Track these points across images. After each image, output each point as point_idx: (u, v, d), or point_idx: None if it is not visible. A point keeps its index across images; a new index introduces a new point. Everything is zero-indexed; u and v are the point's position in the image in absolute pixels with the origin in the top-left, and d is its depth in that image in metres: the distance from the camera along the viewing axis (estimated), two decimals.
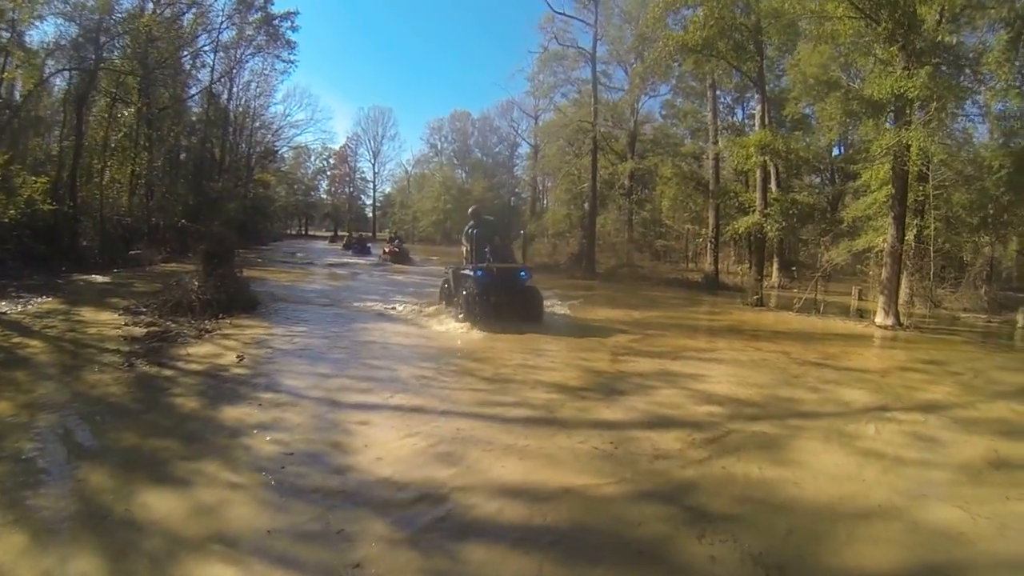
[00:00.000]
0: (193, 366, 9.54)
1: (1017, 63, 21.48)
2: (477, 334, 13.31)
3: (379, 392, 8.43)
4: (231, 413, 7.23)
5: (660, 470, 6.02)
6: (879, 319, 18.80)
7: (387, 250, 42.61)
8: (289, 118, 67.62)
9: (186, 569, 4.14)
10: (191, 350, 10.62)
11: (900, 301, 19.72)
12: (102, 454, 5.95)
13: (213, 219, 36.01)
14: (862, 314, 21.47)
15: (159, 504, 4.91)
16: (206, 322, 13.00)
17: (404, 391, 8.51)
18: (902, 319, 18.81)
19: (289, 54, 46.80)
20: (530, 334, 13.63)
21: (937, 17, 18.57)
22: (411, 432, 6.76)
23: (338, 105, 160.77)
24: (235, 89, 50.35)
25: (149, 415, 7.14)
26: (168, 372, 9.10)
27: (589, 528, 4.84)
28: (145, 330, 11.94)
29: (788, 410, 8.41)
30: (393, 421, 7.17)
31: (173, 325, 12.55)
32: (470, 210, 17.41)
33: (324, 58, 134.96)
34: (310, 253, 46.67)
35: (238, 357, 10.16)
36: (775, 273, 34.22)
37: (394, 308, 17.50)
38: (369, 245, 48.81)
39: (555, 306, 18.64)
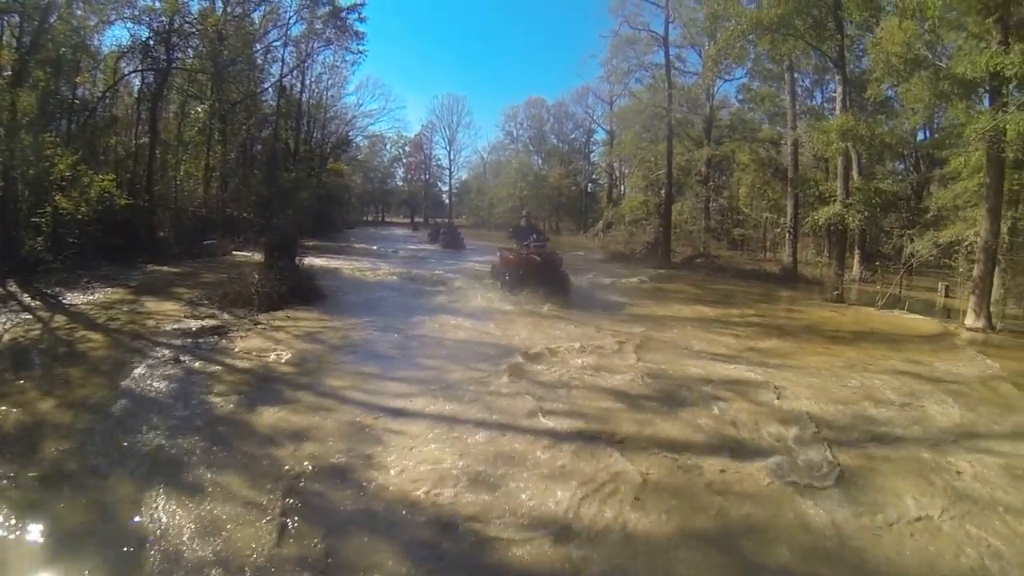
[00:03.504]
0: (240, 362, 9.72)
1: None
2: (536, 327, 13.44)
3: (422, 397, 8.21)
4: (265, 416, 7.23)
5: (719, 507, 5.45)
6: (969, 321, 17.57)
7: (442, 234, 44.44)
8: (362, 108, 68.38)
9: None
10: (242, 344, 10.85)
11: (992, 300, 18.25)
12: (127, 456, 6.03)
13: (287, 209, 38.06)
14: (949, 313, 20.28)
15: (167, 515, 4.88)
16: (263, 315, 13.28)
17: (449, 397, 8.26)
18: (994, 321, 17.46)
19: (358, 45, 46.74)
20: (589, 326, 13.58)
21: None
22: (447, 447, 6.52)
23: (411, 94, 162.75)
24: (307, 81, 50.99)
25: (183, 415, 7.23)
26: (214, 368, 9.30)
27: None
28: (199, 323, 12.28)
29: (870, 433, 7.56)
30: (431, 432, 6.95)
31: (229, 318, 12.95)
32: (524, 211, 22.38)
33: (395, 48, 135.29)
34: (387, 243, 46.33)
35: (286, 353, 10.27)
36: (856, 266, 32.62)
37: (452, 283, 21.08)
38: (462, 235, 45.74)
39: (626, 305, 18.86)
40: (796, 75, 37.25)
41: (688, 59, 45.10)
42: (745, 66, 39.78)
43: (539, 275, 17.53)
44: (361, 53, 47.81)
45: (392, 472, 5.78)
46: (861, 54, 32.23)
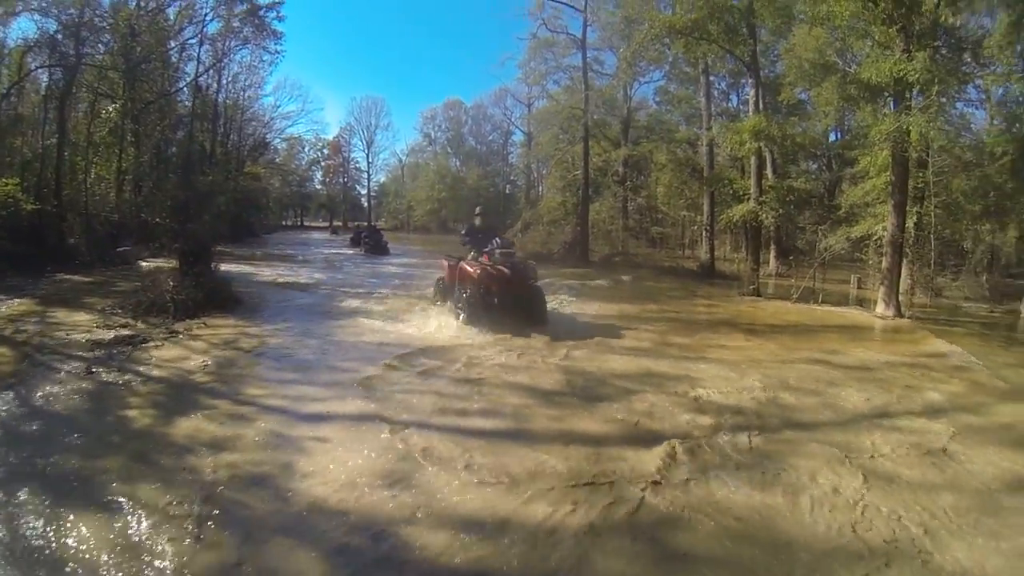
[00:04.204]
0: (156, 372, 9.27)
1: (1019, 47, 20.89)
2: (471, 335, 12.57)
3: (342, 400, 8.02)
4: (183, 427, 6.92)
5: (634, 498, 5.46)
6: (879, 309, 18.53)
7: (364, 239, 42.39)
8: (280, 109, 67.76)
9: None
10: (158, 354, 10.35)
11: (901, 290, 19.32)
12: (38, 475, 5.64)
13: (203, 214, 36.27)
14: (861, 303, 21.14)
15: (83, 533, 4.66)
16: (179, 323, 12.79)
17: (368, 398, 8.12)
18: (903, 309, 18.49)
19: (276, 45, 46.04)
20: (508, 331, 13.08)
21: None
22: (366, 448, 6.36)
23: (330, 96, 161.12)
24: (223, 81, 50.01)
25: (97, 430, 6.84)
26: (128, 378, 8.85)
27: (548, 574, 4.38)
28: (112, 333, 11.65)
29: (783, 418, 7.82)
30: (350, 435, 6.79)
31: (144, 327, 12.35)
32: (478, 208, 17.55)
33: (313, 49, 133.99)
34: (307, 248, 45.65)
35: (203, 362, 9.89)
36: (772, 261, 33.88)
37: (380, 302, 17.09)
38: (385, 239, 43.57)
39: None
40: (712, 78, 38.17)
41: (606, 61, 45.57)
42: (663, 68, 40.91)
43: (511, 295, 13.25)
44: (279, 53, 47.23)
45: (311, 478, 5.67)
46: (775, 59, 33.39)
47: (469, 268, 13.84)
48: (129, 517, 4.88)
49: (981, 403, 9.14)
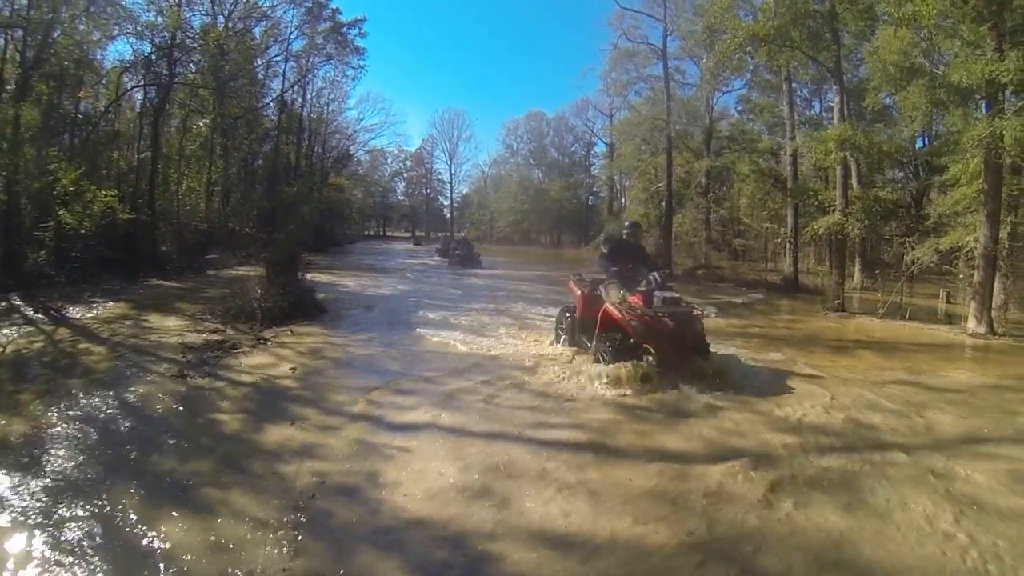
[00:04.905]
0: (245, 378, 9.56)
1: None
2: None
3: (426, 410, 8.07)
4: (272, 434, 7.10)
5: (719, 517, 5.30)
6: (971, 326, 17.61)
7: (456, 252, 39.92)
8: (363, 123, 69.55)
9: None
10: (246, 360, 10.66)
11: (993, 306, 18.31)
12: (133, 476, 5.85)
13: (288, 223, 37.05)
14: (951, 319, 20.32)
15: (179, 536, 4.81)
16: (266, 330, 13.12)
17: (453, 408, 8.16)
18: (996, 326, 17.49)
19: (358, 60, 47.88)
20: None
21: None
22: (452, 460, 6.39)
23: (412, 108, 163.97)
24: (308, 96, 51.38)
25: (190, 433, 7.13)
26: (219, 384, 9.17)
27: None
28: (203, 338, 12.08)
29: (870, 441, 7.42)
30: (435, 446, 6.82)
31: (232, 333, 12.76)
32: (627, 223, 12.79)
33: (396, 63, 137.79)
34: (391, 259, 45.88)
35: (291, 369, 10.13)
36: (857, 274, 32.80)
37: (500, 344, 13.08)
38: (477, 251, 40.74)
39: None
40: (794, 85, 37.44)
41: (687, 71, 45.54)
42: (744, 77, 40.02)
43: (672, 356, 9.90)
44: (361, 68, 49.21)
45: (398, 488, 5.69)
46: (859, 63, 32.39)
47: (618, 314, 10.26)
48: (221, 521, 4.98)
49: None
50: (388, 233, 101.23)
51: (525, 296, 21.89)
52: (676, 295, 10.64)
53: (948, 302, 23.24)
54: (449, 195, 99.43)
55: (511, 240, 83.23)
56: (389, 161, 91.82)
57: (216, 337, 12.16)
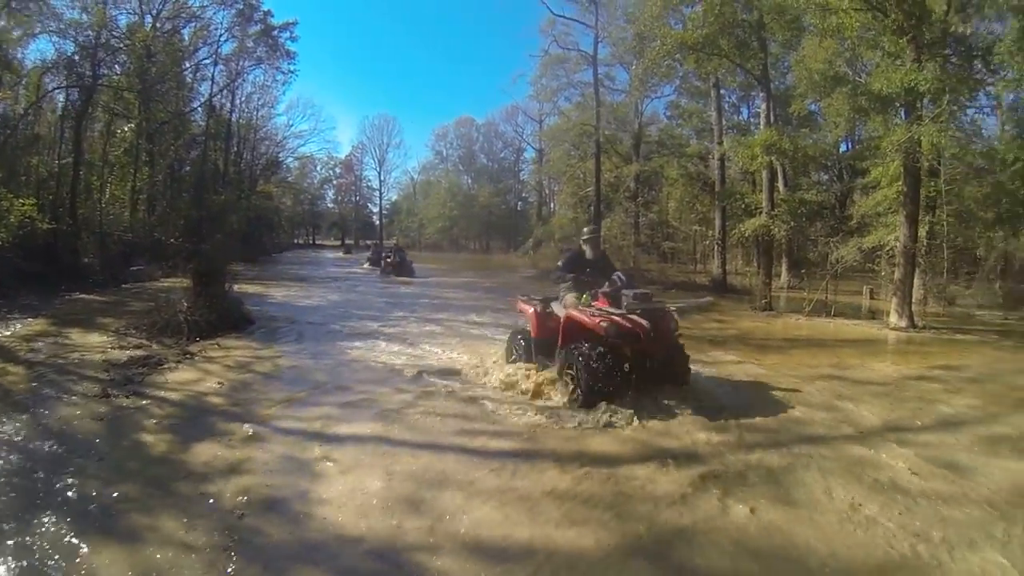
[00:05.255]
0: (171, 395, 9.10)
1: None
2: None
3: (355, 422, 7.90)
4: (199, 453, 6.79)
5: (650, 516, 5.41)
6: (892, 320, 18.53)
7: (387, 260, 38.15)
8: (293, 129, 67.97)
9: None
10: (172, 376, 10.20)
11: (914, 300, 19.30)
12: (55, 505, 5.48)
13: (216, 233, 36.39)
14: (874, 315, 21.15)
15: (104, 566, 4.54)
16: (193, 344, 12.59)
17: (382, 419, 7.99)
18: (916, 319, 18.51)
19: (289, 65, 46.69)
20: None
21: (946, 7, 18.09)
22: (382, 472, 6.27)
23: (342, 115, 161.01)
24: (237, 101, 50.15)
25: (115, 455, 6.72)
26: (144, 403, 8.64)
27: None
28: (127, 355, 11.49)
29: (797, 435, 7.73)
30: (365, 458, 6.69)
31: (158, 348, 12.14)
32: (587, 230, 10.89)
33: (327, 68, 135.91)
34: (320, 269, 44.46)
35: (218, 384, 9.74)
36: (784, 274, 33.92)
37: (429, 353, 12.64)
38: (410, 258, 39.64)
39: None
40: (722, 92, 38.27)
41: (617, 77, 45.96)
42: (673, 83, 40.85)
43: (648, 359, 8.99)
44: (292, 73, 47.71)
45: (328, 503, 5.56)
46: (786, 71, 33.41)
47: (585, 318, 8.95)
48: (149, 548, 4.81)
49: (996, 414, 9.13)
50: (318, 241, 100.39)
51: (455, 305, 21.94)
52: (647, 291, 9.56)
53: (871, 298, 24.11)
54: (378, 202, 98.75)
55: (440, 247, 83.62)
56: (319, 168, 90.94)
57: (141, 353, 11.68)
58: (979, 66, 19.52)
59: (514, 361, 10.71)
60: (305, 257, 61.81)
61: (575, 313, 9.21)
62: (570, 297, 9.71)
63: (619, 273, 9.59)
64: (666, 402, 8.50)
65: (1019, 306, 23.12)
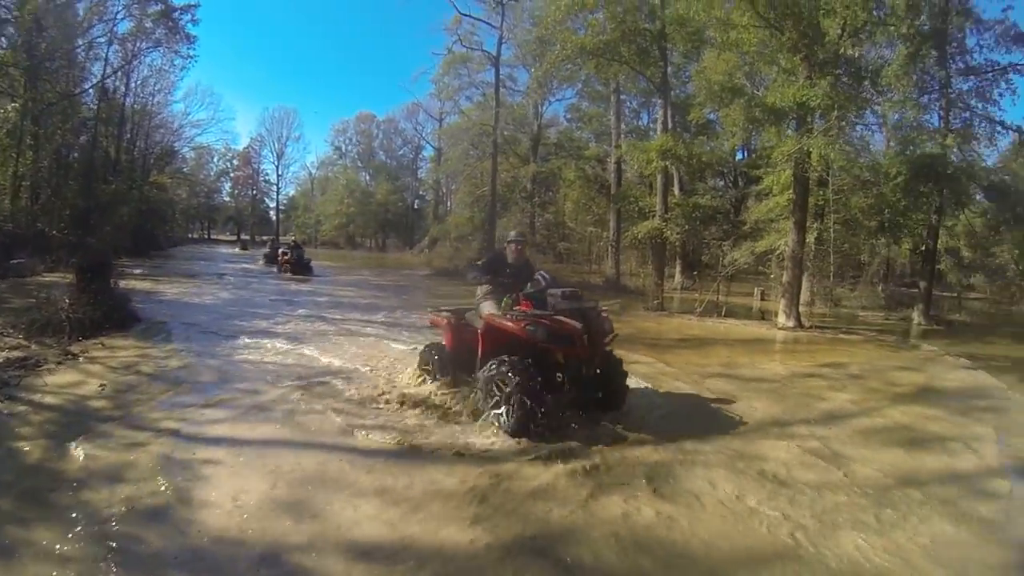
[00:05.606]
0: (49, 399, 8.50)
1: (914, 76, 22.62)
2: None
3: (240, 422, 7.73)
4: (78, 459, 6.42)
5: (534, 513, 5.49)
6: (780, 321, 19.56)
7: (284, 258, 35.83)
8: (190, 117, 65.10)
9: None
10: (52, 379, 9.49)
11: (801, 302, 20.48)
12: None
13: (104, 225, 34.83)
14: (764, 315, 22.20)
15: None
16: (75, 344, 11.88)
17: (267, 420, 7.86)
18: (803, 320, 19.56)
19: (189, 49, 43.27)
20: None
21: (840, 31, 19.20)
22: (265, 473, 6.14)
23: (242, 105, 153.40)
24: (132, 85, 47.89)
25: None
26: (20, 408, 8.06)
27: None
28: (2, 356, 10.65)
29: (683, 432, 7.80)
30: (249, 459, 6.53)
31: (37, 348, 11.34)
32: (513, 233, 9.63)
33: (227, 57, 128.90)
34: (215, 267, 40.74)
35: (100, 386, 9.18)
36: (678, 275, 35.08)
37: (319, 353, 12.29)
38: (308, 256, 37.81)
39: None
40: (624, 97, 39.31)
41: (519, 79, 46.39)
42: (575, 87, 41.57)
43: (584, 367, 8.04)
44: (192, 58, 44.24)
45: (210, 507, 5.41)
46: (687, 80, 34.62)
47: (508, 323, 7.93)
48: (24, 563, 4.54)
49: (873, 408, 9.84)
50: (213, 236, 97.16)
51: (348, 303, 21.48)
52: (575, 289, 8.52)
53: (762, 300, 25.34)
54: (276, 197, 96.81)
55: (336, 244, 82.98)
56: (216, 160, 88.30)
57: (18, 354, 10.75)
58: (868, 86, 20.81)
59: (424, 379, 9.61)
60: (199, 252, 58.86)
61: (496, 319, 8.16)
62: (487, 304, 8.65)
63: (543, 272, 8.65)
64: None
65: (899, 307, 25.05)
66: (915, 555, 4.99)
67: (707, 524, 5.35)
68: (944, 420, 9.39)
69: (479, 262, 9.51)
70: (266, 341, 13.21)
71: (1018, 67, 22.96)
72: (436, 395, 8.68)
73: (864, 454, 7.37)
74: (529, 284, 8.37)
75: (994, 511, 6.01)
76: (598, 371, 8.28)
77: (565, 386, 7.84)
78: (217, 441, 6.99)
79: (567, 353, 7.75)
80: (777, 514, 5.57)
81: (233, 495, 5.56)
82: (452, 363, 9.13)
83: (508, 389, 7.33)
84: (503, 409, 7.39)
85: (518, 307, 8.16)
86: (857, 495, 6.10)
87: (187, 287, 24.49)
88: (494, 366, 7.60)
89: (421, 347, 10.42)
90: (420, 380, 9.45)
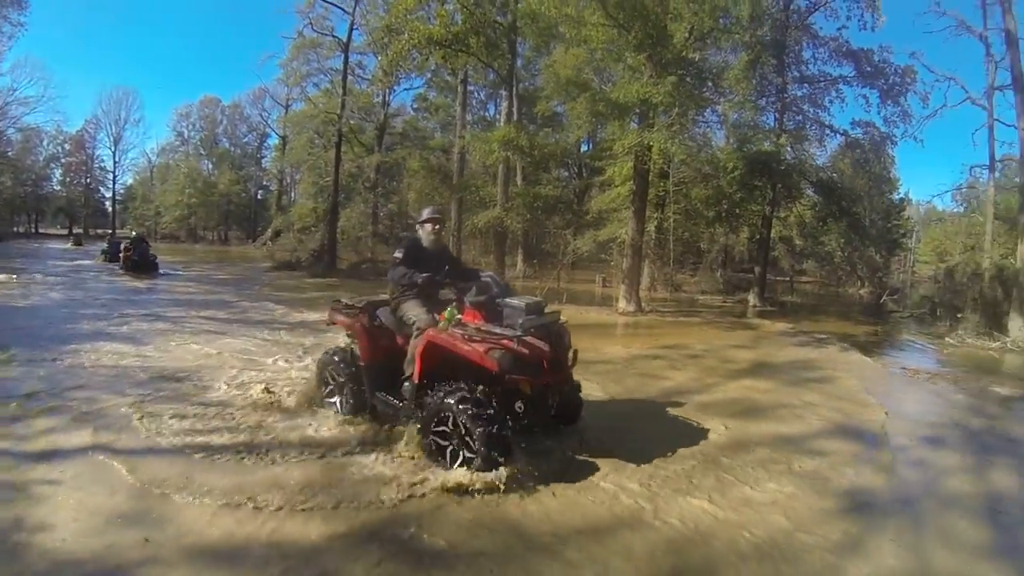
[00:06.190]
0: None
1: (754, 81, 24.80)
2: None
3: (76, 433, 7.08)
4: None
5: (378, 500, 5.50)
6: (621, 306, 20.59)
7: (127, 254, 31.44)
8: (17, 94, 58.27)
9: None
10: None
11: (642, 287, 21.77)
12: None
13: None
14: (606, 301, 22.88)
15: None
16: None
17: (105, 428, 7.27)
18: (643, 304, 20.77)
19: (19, 16, 41.02)
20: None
21: (686, 35, 20.57)
22: (106, 485, 5.71)
23: (78, 82, 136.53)
24: None
25: None
26: None
27: None
28: None
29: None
30: (87, 471, 6.03)
31: None
32: (427, 212, 7.55)
33: (59, 25, 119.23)
34: (42, 265, 34.96)
35: None
36: (520, 263, 36.20)
37: (159, 354, 11.52)
38: (153, 252, 33.53)
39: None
40: (471, 88, 39.96)
41: (369, 66, 44.92)
42: (424, 76, 41.62)
43: (545, 394, 6.64)
44: (22, 26, 41.95)
45: (47, 528, 4.98)
46: (536, 73, 35.42)
47: (463, 346, 6.24)
48: None
49: (710, 384, 10.64)
50: (42, 231, 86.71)
51: (187, 300, 20.30)
52: (537, 299, 6.89)
53: (604, 286, 26.44)
54: (112, 186, 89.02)
55: (177, 237, 78.68)
56: (45, 143, 79.87)
57: None
58: (711, 87, 22.19)
59: (337, 400, 7.89)
60: (26, 249, 51.85)
61: (443, 338, 6.40)
62: (412, 307, 7.02)
63: (491, 274, 7.30)
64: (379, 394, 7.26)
65: (737, 291, 27.27)
66: (757, 508, 5.57)
67: (545, 503, 5.53)
68: (775, 391, 10.26)
69: (397, 254, 7.20)
70: (104, 343, 12.21)
71: (847, 79, 25.81)
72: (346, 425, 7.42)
73: (703, 425, 7.96)
74: (474, 288, 6.76)
75: (818, 466, 6.74)
76: (559, 398, 6.91)
77: (524, 419, 6.54)
78: (52, 455, 6.44)
79: (534, 384, 6.35)
80: (616, 487, 5.90)
81: (74, 511, 5.21)
82: (370, 381, 7.36)
83: (466, 430, 5.96)
84: (460, 452, 6.04)
85: (463, 316, 6.59)
86: (692, 463, 6.62)
87: (12, 288, 21.78)
88: (446, 400, 6.10)
89: (316, 358, 8.96)
90: (311, 404, 8.13)
